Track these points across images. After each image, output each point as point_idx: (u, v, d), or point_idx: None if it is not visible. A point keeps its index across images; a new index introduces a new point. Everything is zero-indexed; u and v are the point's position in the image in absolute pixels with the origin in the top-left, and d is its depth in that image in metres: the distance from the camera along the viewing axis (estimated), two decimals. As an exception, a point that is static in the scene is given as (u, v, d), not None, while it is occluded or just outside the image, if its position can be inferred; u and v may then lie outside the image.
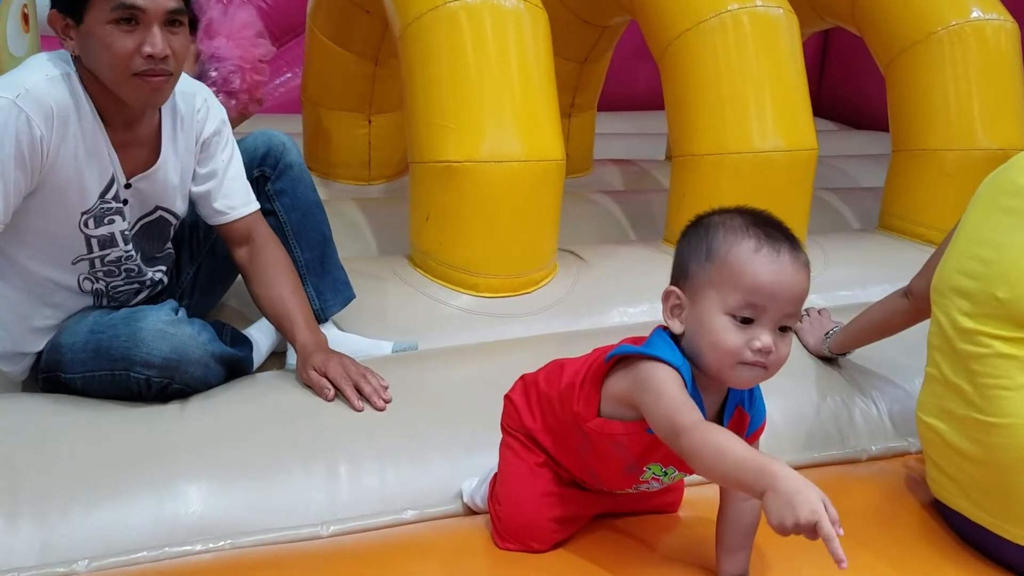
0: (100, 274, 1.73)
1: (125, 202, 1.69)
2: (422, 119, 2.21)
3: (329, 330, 1.97)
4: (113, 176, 1.65)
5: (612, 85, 4.00)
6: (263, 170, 1.94)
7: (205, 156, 1.79)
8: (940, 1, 2.73)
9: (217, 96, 1.88)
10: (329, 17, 3.03)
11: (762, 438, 1.74)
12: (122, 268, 1.76)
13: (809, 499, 1.02)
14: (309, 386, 1.69)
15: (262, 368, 1.96)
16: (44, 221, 1.62)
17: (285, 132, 3.40)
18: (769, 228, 1.20)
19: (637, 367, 1.24)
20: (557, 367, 1.41)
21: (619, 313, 2.28)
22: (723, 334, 1.17)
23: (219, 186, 1.80)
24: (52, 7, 1.57)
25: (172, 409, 1.63)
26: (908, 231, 2.77)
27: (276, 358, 1.99)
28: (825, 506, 1.02)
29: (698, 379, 1.24)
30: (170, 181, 1.74)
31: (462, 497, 1.53)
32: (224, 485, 1.47)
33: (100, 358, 1.65)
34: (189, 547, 1.38)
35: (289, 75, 4.63)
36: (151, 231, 1.79)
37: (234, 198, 1.81)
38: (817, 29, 3.42)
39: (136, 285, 1.81)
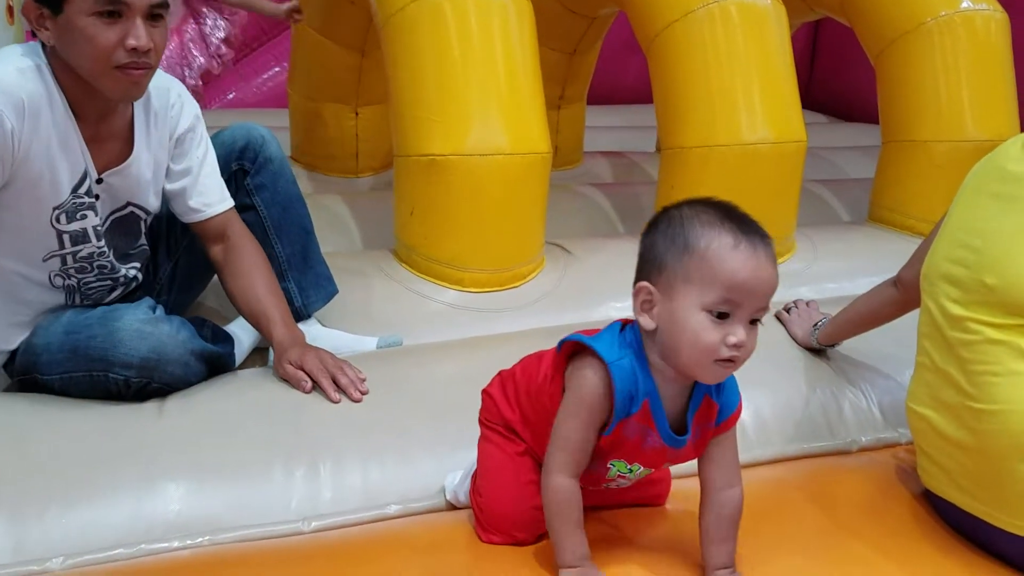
0: (72, 271, 1.71)
1: (97, 197, 1.67)
2: (406, 112, 2.19)
3: (312, 326, 1.96)
4: (85, 171, 1.63)
5: (603, 78, 3.98)
6: (242, 164, 1.91)
7: (179, 152, 1.76)
8: (930, -9, 2.71)
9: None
10: (316, 8, 3.00)
11: (751, 431, 1.78)
12: (94, 264, 1.73)
13: None
14: (286, 380, 1.67)
15: (245, 364, 1.93)
16: (15, 216, 1.59)
17: (273, 126, 3.41)
18: (742, 222, 1.19)
19: (575, 362, 1.26)
20: (535, 359, 1.40)
21: (607, 308, 2.25)
22: (702, 332, 1.16)
23: (194, 183, 1.77)
24: None
25: (151, 407, 1.61)
26: (898, 223, 2.76)
27: (259, 353, 1.97)
28: None
29: (654, 369, 1.23)
30: (143, 176, 1.71)
31: (445, 493, 1.51)
32: (203, 482, 1.45)
33: (77, 359, 1.62)
34: (167, 544, 1.35)
35: (277, 69, 4.60)
36: (122, 227, 1.75)
37: (209, 195, 1.79)
38: (807, 20, 3.40)
39: (109, 282, 1.78)
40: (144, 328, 1.62)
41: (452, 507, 1.50)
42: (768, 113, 2.42)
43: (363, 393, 1.65)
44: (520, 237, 2.24)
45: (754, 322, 1.18)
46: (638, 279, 1.23)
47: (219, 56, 2.66)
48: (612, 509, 1.46)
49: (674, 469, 1.53)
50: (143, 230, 1.81)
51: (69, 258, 1.68)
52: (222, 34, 2.63)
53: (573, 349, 1.28)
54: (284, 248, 1.94)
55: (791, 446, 1.79)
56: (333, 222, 2.65)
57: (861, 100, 2.98)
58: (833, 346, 1.98)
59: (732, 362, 1.18)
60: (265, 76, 4.67)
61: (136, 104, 1.67)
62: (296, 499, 1.46)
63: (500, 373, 1.45)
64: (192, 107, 1.78)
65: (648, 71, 2.55)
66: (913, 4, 2.71)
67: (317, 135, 3.17)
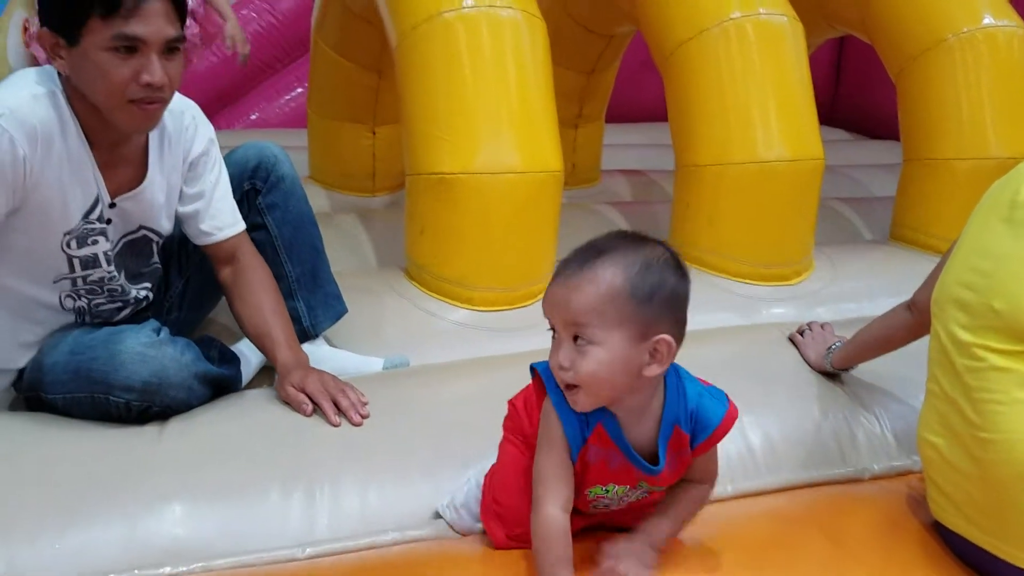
0: (82, 292, 1.71)
1: (108, 221, 1.67)
2: (417, 131, 2.18)
3: (319, 346, 1.95)
4: (97, 197, 1.63)
5: (623, 96, 3.97)
6: (254, 183, 1.91)
7: (192, 176, 1.76)
8: (951, 7, 2.67)
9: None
10: (333, 29, 3.02)
11: (760, 456, 1.74)
12: (105, 288, 1.73)
13: None
14: (287, 403, 1.67)
15: (253, 383, 1.93)
16: (26, 240, 1.60)
17: (294, 145, 3.43)
18: (581, 249, 1.23)
19: (547, 401, 1.29)
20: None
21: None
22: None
23: (207, 207, 1.77)
24: (42, 25, 1.54)
25: (151, 430, 1.60)
26: (920, 242, 2.71)
27: (268, 373, 1.96)
28: None
29: (617, 411, 1.26)
30: (156, 201, 1.72)
31: (441, 515, 1.49)
32: (199, 507, 1.44)
33: (79, 380, 1.62)
34: (160, 570, 1.34)
35: (300, 90, 4.63)
36: (134, 248, 1.76)
37: (221, 219, 1.79)
38: (828, 37, 3.37)
39: (120, 303, 1.78)
40: (146, 352, 1.61)
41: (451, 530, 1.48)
42: (784, 131, 2.39)
43: (364, 416, 1.64)
44: (531, 256, 2.22)
45: (576, 339, 1.19)
46: None
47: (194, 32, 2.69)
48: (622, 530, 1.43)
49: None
50: (155, 251, 1.82)
51: (79, 281, 1.69)
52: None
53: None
54: (294, 267, 1.94)
55: (801, 473, 1.75)
56: (348, 241, 2.66)
57: (886, 117, 2.94)
58: (847, 370, 1.94)
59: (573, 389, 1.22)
60: (288, 97, 4.70)
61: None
62: (292, 524, 1.45)
63: (527, 387, 1.44)
64: (206, 130, 1.78)
65: (667, 89, 2.53)
66: (934, 20, 2.67)
67: (335, 154, 3.18)
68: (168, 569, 1.35)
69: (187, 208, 1.77)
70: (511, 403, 1.45)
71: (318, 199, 3.14)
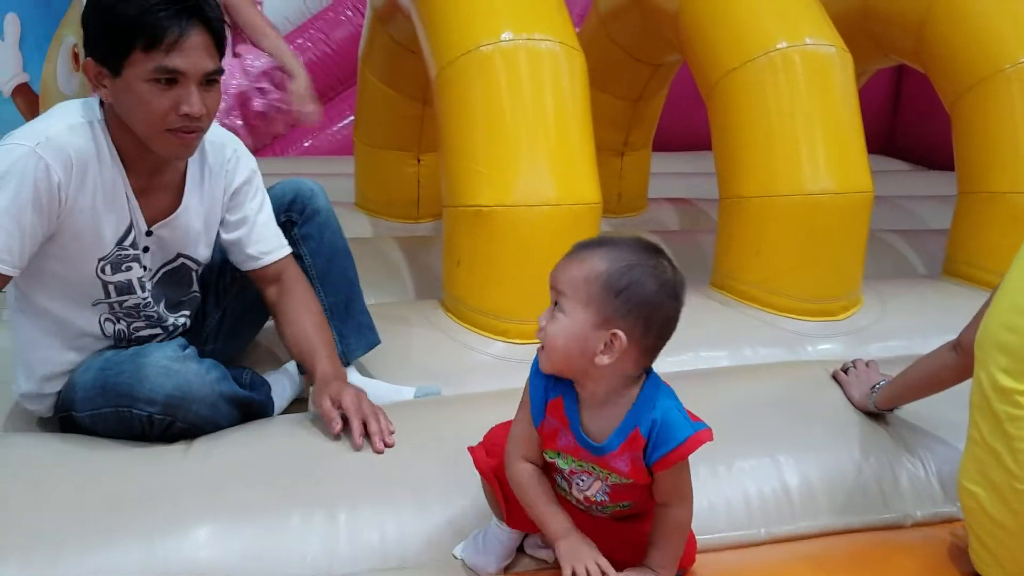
0: (120, 315, 1.74)
1: (146, 249, 1.70)
2: (455, 163, 2.19)
3: (351, 374, 1.95)
4: (131, 223, 1.66)
5: (673, 124, 3.94)
6: (290, 215, 1.93)
7: (235, 204, 1.79)
8: (1008, 36, 2.59)
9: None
10: (379, 59, 3.05)
11: (797, 499, 1.69)
12: (142, 314, 1.76)
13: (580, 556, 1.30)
14: (321, 412, 1.68)
15: (287, 412, 1.94)
16: (62, 266, 1.64)
17: (343, 172, 3.46)
18: (598, 239, 1.34)
19: None
20: None
21: (658, 362, 2.18)
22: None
23: (250, 232, 1.80)
24: (87, 55, 1.58)
25: (176, 450, 1.61)
26: (974, 278, 2.62)
27: (301, 404, 1.97)
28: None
29: (580, 392, 1.33)
30: (192, 228, 1.75)
31: (459, 557, 1.48)
32: (218, 531, 1.44)
33: (106, 395, 1.64)
34: (179, 595, 1.35)
35: (352, 118, 4.67)
36: (174, 277, 1.79)
37: (266, 243, 1.82)
38: (881, 66, 3.30)
39: (159, 330, 1.81)
40: (171, 365, 1.63)
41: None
42: (832, 163, 2.34)
43: (388, 446, 1.63)
44: (567, 289, 2.20)
45: (555, 305, 1.30)
46: None
47: (262, 92, 2.68)
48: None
49: (713, 541, 1.57)
50: (193, 280, 1.84)
51: (116, 306, 1.72)
52: (261, 64, 2.66)
53: None
54: (328, 297, 1.95)
55: (840, 518, 1.69)
56: (389, 270, 2.67)
57: (945, 147, 2.86)
58: (892, 410, 1.88)
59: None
60: (341, 124, 4.76)
61: (191, 158, 1.70)
62: (312, 551, 1.45)
63: None
64: (248, 161, 1.81)
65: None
66: (990, 50, 2.59)
67: (380, 181, 3.21)
68: (188, 594, 1.35)
69: (232, 235, 1.80)
70: None
71: (362, 226, 3.17)
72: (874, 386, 1.88)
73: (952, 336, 1.74)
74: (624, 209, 3.44)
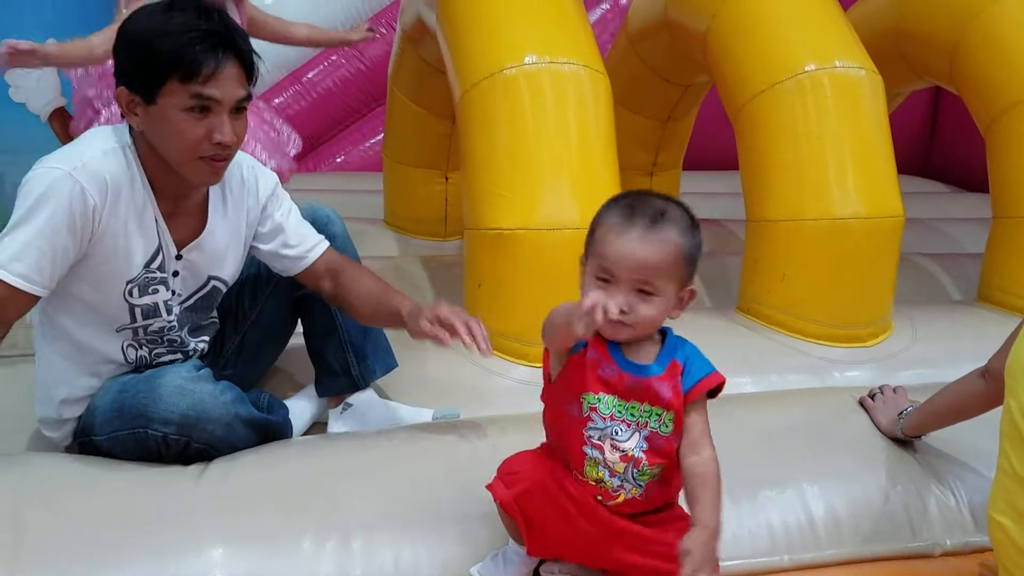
0: (143, 341, 1.76)
1: (175, 273, 1.72)
2: (477, 186, 2.19)
3: (369, 396, 1.95)
4: (159, 246, 1.69)
5: (703, 143, 3.92)
6: None
7: (265, 216, 1.82)
8: (1043, 59, 2.55)
9: None
10: (408, 77, 3.07)
11: (821, 528, 1.66)
12: (165, 338, 1.77)
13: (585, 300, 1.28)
14: (424, 337, 1.72)
15: (306, 435, 1.94)
16: (90, 287, 1.66)
17: (374, 189, 3.47)
18: (637, 207, 1.35)
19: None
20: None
21: (681, 384, 2.16)
22: (587, 291, 1.35)
23: (287, 238, 1.83)
24: (119, 83, 1.61)
25: (191, 471, 1.62)
26: (1008, 304, 2.57)
27: (319, 428, 1.98)
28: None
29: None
30: (218, 248, 1.77)
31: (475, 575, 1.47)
32: (231, 553, 1.44)
33: (123, 417, 1.66)
34: (191, 615, 1.35)
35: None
36: (204, 302, 1.81)
37: (305, 242, 1.84)
38: (915, 88, 3.26)
39: (180, 355, 1.82)
40: (185, 385, 1.65)
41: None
42: (861, 187, 2.31)
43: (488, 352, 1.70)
44: (590, 311, 2.18)
45: (645, 293, 1.33)
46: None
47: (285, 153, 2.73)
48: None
49: (736, 568, 1.57)
50: (217, 302, 1.86)
51: (140, 331, 1.74)
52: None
53: None
54: (345, 320, 1.95)
55: (866, 547, 1.66)
56: (412, 290, 2.66)
57: (983, 169, 2.82)
58: (920, 437, 1.84)
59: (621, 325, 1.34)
60: (373, 140, 4.79)
61: None
62: (324, 574, 1.44)
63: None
64: (266, 174, 1.84)
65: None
66: (1025, 72, 2.56)
67: (408, 199, 3.22)
68: (198, 615, 1.35)
69: (270, 245, 1.82)
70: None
71: (389, 243, 3.18)
72: (902, 412, 1.85)
73: (983, 364, 1.71)
74: (652, 230, 3.41)
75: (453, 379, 2.11)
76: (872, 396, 1.95)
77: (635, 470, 1.38)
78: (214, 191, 1.75)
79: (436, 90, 2.95)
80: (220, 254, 1.77)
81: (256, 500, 1.55)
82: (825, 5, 2.48)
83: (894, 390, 1.94)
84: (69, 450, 1.80)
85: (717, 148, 4.48)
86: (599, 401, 1.38)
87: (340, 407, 1.95)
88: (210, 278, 1.78)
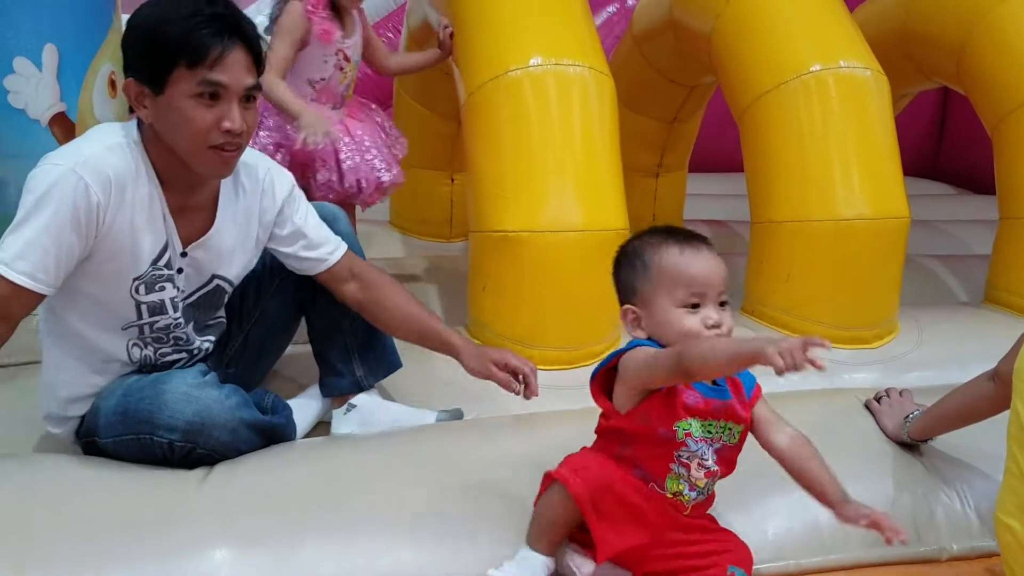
0: (149, 340, 1.75)
1: (180, 270, 1.71)
2: (481, 188, 2.19)
3: (372, 397, 1.94)
4: (167, 243, 1.67)
5: (710, 145, 3.91)
6: None
7: (282, 219, 1.81)
8: (1051, 58, 2.53)
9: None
10: (414, 80, 3.07)
11: (826, 531, 1.64)
12: (171, 336, 1.77)
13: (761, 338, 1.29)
14: (490, 378, 1.81)
15: (311, 434, 1.93)
16: (96, 285, 1.65)
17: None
18: (681, 234, 1.45)
19: (623, 368, 1.44)
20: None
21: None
22: (682, 323, 1.40)
23: (308, 241, 1.82)
24: (127, 76, 1.61)
25: (195, 475, 1.61)
26: (1015, 305, 2.56)
27: (324, 427, 1.97)
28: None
29: None
30: (225, 247, 1.75)
31: None
32: (234, 556, 1.44)
33: (127, 421, 1.65)
34: (192, 617, 1.34)
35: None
36: (207, 300, 1.80)
37: (326, 244, 1.84)
38: (923, 88, 3.25)
39: (185, 355, 1.81)
40: (191, 392, 1.64)
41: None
42: (866, 187, 2.30)
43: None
44: (593, 315, 2.18)
45: (723, 304, 1.41)
46: (621, 305, 1.48)
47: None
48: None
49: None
50: (223, 302, 1.85)
51: (146, 328, 1.73)
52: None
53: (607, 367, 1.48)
54: (349, 320, 1.93)
55: (871, 551, 1.64)
56: (417, 291, 2.65)
57: (991, 171, 2.81)
58: (926, 441, 1.83)
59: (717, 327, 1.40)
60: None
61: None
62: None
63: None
64: (284, 176, 1.83)
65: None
66: (1034, 72, 2.54)
67: (414, 200, 3.22)
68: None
69: (290, 248, 1.82)
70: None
71: (395, 244, 3.17)
72: (908, 416, 1.84)
73: (991, 366, 1.70)
74: (658, 232, 3.41)
75: (457, 380, 2.09)
76: (878, 399, 1.94)
77: (710, 481, 1.46)
78: (226, 188, 1.73)
79: (441, 91, 2.95)
80: (227, 253, 1.76)
81: (260, 503, 1.55)
82: (830, 5, 2.48)
83: (900, 393, 1.93)
84: (73, 448, 1.80)
85: (725, 150, 4.48)
86: (691, 426, 1.43)
87: (344, 408, 1.95)
88: (214, 276, 1.77)
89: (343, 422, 1.94)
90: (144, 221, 1.62)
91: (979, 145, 4.68)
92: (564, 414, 1.95)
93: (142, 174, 1.61)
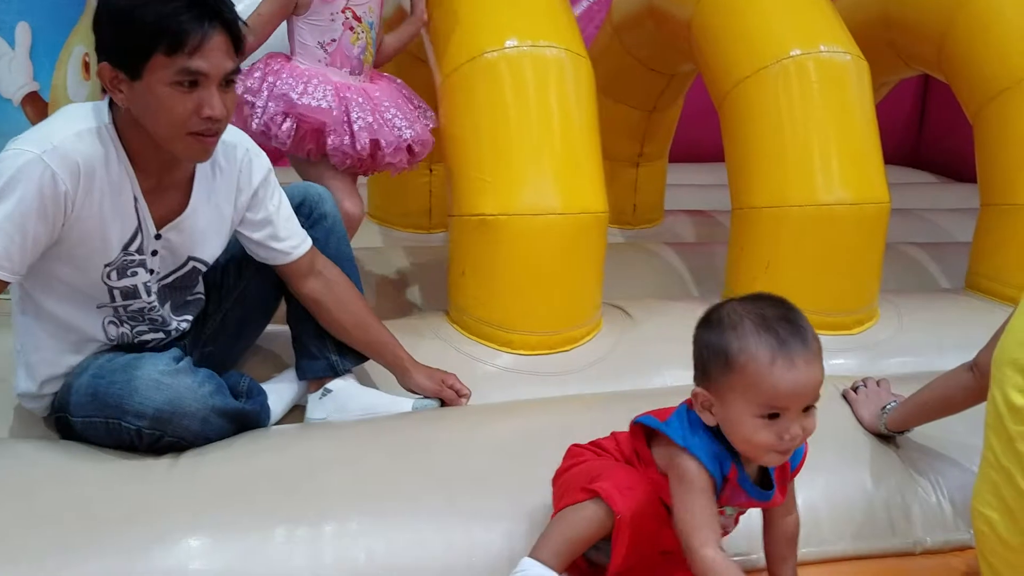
0: (124, 319, 1.73)
1: (154, 253, 1.68)
2: (459, 172, 2.16)
3: (348, 382, 1.92)
4: (138, 228, 1.64)
5: (693, 134, 3.88)
6: (297, 218, 1.89)
7: (255, 203, 1.78)
8: (1032, 45, 2.52)
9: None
10: (389, 67, 3.00)
11: (802, 525, 1.59)
12: (146, 317, 1.75)
13: None
14: (439, 396, 1.91)
15: (285, 420, 1.91)
16: (68, 268, 1.62)
17: (360, 182, 3.42)
18: (781, 326, 1.26)
19: (671, 452, 1.33)
20: (610, 438, 1.50)
21: (663, 376, 2.13)
22: (755, 434, 1.26)
23: (276, 230, 1.80)
24: (101, 59, 1.56)
25: (163, 463, 1.59)
26: (996, 292, 2.54)
27: (299, 410, 1.94)
28: None
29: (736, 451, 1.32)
30: (199, 227, 1.73)
31: None
32: (201, 547, 1.41)
33: (97, 403, 1.63)
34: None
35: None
36: (182, 282, 1.78)
37: (293, 238, 1.82)
38: (904, 76, 3.23)
39: (162, 334, 1.79)
40: (162, 379, 1.61)
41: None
42: (846, 173, 2.28)
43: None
44: (572, 300, 2.16)
45: (808, 408, 1.27)
46: (695, 380, 1.33)
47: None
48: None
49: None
50: (200, 281, 1.83)
51: (121, 310, 1.71)
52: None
53: (647, 430, 1.40)
54: None
55: (846, 545, 1.64)
56: (397, 280, 2.63)
57: (973, 159, 2.80)
58: (903, 432, 1.81)
59: (788, 451, 1.29)
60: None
61: None
62: (296, 570, 1.41)
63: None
64: (262, 160, 1.80)
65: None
66: (1012, 60, 2.51)
67: (392, 191, 3.18)
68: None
69: (258, 234, 1.79)
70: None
71: (373, 236, 3.14)
72: (885, 406, 1.82)
73: (971, 352, 1.68)
74: (639, 221, 3.39)
75: (436, 366, 2.08)
76: (855, 389, 1.92)
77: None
78: (202, 167, 1.69)
79: (417, 79, 2.89)
80: (201, 234, 1.73)
81: (228, 493, 1.52)
82: (810, -10, 2.45)
83: (878, 383, 1.91)
84: (47, 421, 1.77)
85: (708, 140, 4.46)
86: (725, 509, 1.39)
87: (320, 392, 1.93)
88: (189, 259, 1.75)
89: (318, 407, 1.91)
90: (114, 207, 1.59)
91: (960, 133, 4.69)
92: (543, 402, 1.93)
93: (112, 158, 1.58)
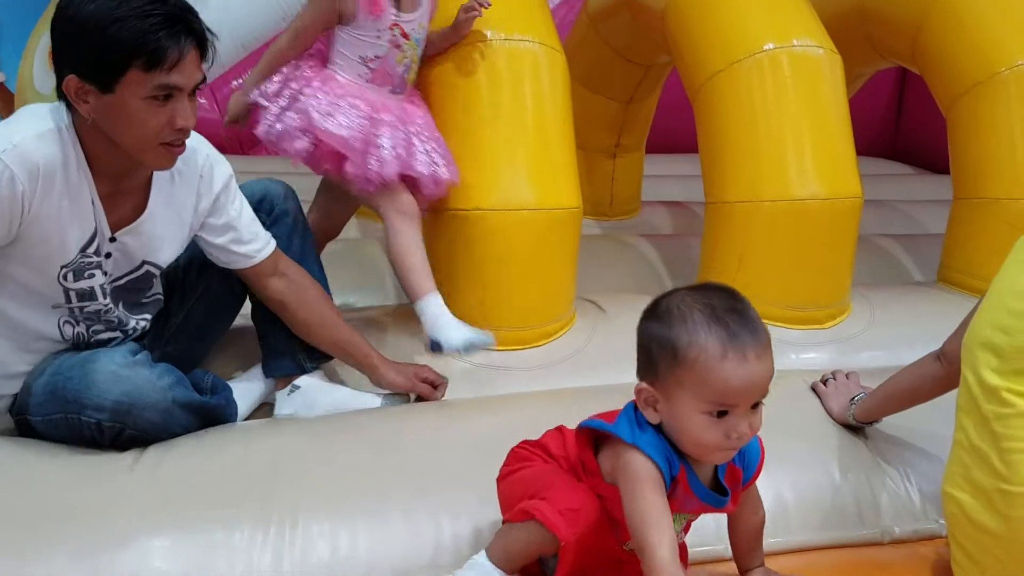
0: (80, 319, 1.72)
1: (108, 255, 1.68)
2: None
3: (314, 379, 1.92)
4: (96, 230, 1.64)
5: (671, 125, 3.88)
6: (258, 215, 1.89)
7: (216, 208, 1.78)
8: (1004, 39, 2.53)
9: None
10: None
11: (770, 516, 1.62)
12: (102, 318, 1.74)
13: None
14: (413, 391, 1.91)
15: (253, 417, 1.90)
16: (24, 270, 1.61)
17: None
18: (731, 318, 1.20)
19: (618, 451, 1.28)
20: (557, 434, 1.44)
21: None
22: (702, 433, 1.22)
23: (239, 235, 1.80)
24: (67, 73, 1.53)
25: (126, 458, 1.58)
26: (968, 285, 2.56)
27: (267, 408, 1.94)
28: None
29: (684, 453, 1.28)
30: (156, 233, 1.72)
31: None
32: (163, 545, 1.40)
33: (56, 400, 1.62)
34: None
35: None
36: (136, 284, 1.77)
37: (256, 241, 1.81)
38: (878, 68, 3.24)
39: (119, 333, 1.78)
40: (119, 371, 1.61)
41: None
42: (819, 167, 2.29)
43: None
44: (545, 295, 2.16)
45: (756, 406, 1.23)
46: (638, 375, 1.27)
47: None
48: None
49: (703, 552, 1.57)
50: (156, 283, 1.82)
51: (76, 311, 1.70)
52: None
53: (595, 435, 1.35)
54: None
55: (814, 535, 1.65)
56: (370, 273, 2.62)
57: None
58: (872, 423, 1.83)
59: (735, 449, 1.25)
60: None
61: None
62: (261, 567, 1.40)
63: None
64: (222, 165, 1.79)
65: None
66: (987, 53, 2.53)
67: (369, 184, 3.15)
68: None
69: (220, 239, 1.79)
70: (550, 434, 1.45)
71: (352, 229, 3.12)
72: (854, 398, 1.83)
73: (940, 345, 1.69)
74: (616, 212, 3.39)
75: (409, 363, 2.07)
76: (824, 381, 1.93)
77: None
78: (160, 173, 1.69)
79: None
80: (158, 239, 1.73)
81: (191, 490, 1.51)
82: (783, -17, 2.45)
83: (847, 376, 1.93)
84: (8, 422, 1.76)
85: (686, 130, 4.46)
86: (675, 519, 1.32)
87: (287, 389, 1.92)
88: (144, 262, 1.74)
89: (286, 403, 1.91)
90: (73, 209, 1.59)
91: (937, 125, 4.69)
92: (515, 397, 1.93)
93: (71, 161, 1.57)
